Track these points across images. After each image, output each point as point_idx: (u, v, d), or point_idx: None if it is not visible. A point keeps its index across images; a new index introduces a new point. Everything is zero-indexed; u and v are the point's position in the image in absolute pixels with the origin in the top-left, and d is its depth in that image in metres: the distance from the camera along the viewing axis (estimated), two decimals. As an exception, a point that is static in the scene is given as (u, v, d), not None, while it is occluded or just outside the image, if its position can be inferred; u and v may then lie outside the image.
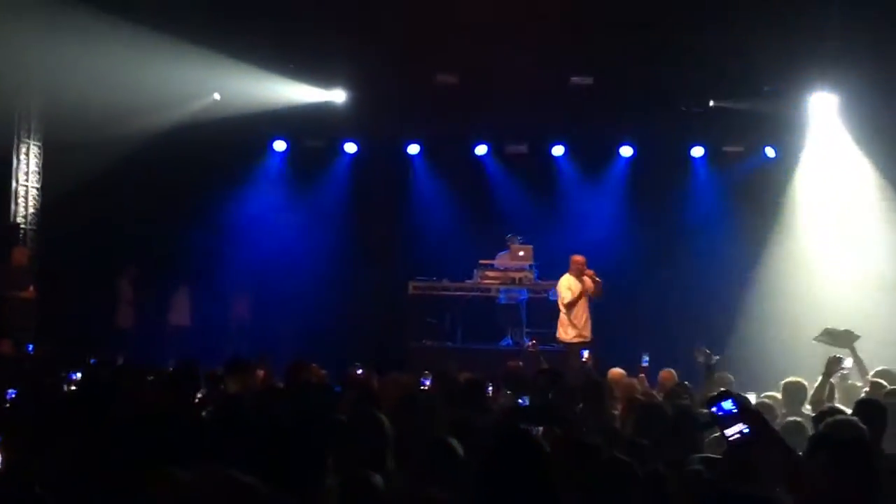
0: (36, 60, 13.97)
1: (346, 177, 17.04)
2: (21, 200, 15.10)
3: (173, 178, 15.70)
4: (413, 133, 16.88)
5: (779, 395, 7.76)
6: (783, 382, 7.89)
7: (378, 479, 3.94)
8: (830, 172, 15.33)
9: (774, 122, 15.40)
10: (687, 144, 16.66)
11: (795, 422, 6.19)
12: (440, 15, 13.15)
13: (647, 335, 13.55)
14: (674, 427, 5.80)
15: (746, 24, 13.14)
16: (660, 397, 8.14)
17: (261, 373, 8.92)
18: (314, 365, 9.51)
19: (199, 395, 7.27)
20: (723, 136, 16.28)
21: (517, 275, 14.73)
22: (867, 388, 8.06)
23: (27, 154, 15.22)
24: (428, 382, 8.30)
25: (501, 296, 15.14)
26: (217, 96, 15.79)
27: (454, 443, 4.49)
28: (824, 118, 15.26)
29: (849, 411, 6.16)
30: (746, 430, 3.81)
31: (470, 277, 15.00)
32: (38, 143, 15.36)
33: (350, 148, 17.06)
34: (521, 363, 11.05)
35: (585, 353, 12.10)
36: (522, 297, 15.21)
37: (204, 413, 6.09)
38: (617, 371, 9.78)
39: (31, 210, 15.29)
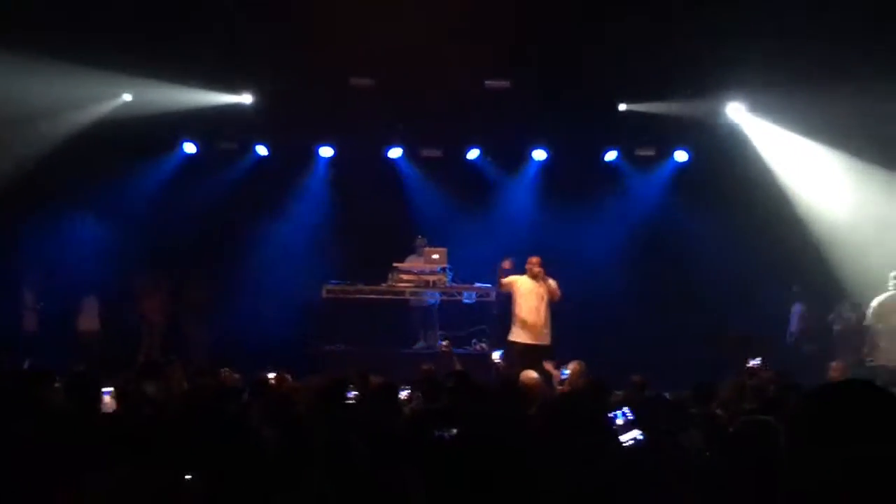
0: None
1: (258, 180, 16.84)
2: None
3: (83, 181, 15.44)
4: (326, 136, 16.77)
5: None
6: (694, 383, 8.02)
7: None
8: (741, 175, 15.70)
9: (687, 125, 15.65)
10: (600, 148, 16.86)
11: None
12: (356, 18, 13.11)
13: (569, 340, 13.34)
14: (580, 426, 5.82)
15: (660, 29, 13.36)
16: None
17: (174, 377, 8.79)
18: (226, 369, 9.41)
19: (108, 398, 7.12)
20: (635, 139, 16.52)
21: (431, 278, 14.71)
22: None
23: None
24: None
25: (413, 299, 15.14)
26: (127, 97, 15.50)
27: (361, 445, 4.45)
28: (736, 122, 15.64)
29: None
30: (641, 437, 3.88)
31: (384, 280, 14.95)
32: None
33: (261, 150, 16.91)
34: (433, 366, 10.99)
35: (496, 355, 12.12)
36: (434, 301, 15.20)
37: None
38: (529, 373, 9.82)
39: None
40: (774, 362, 10.56)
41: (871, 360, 12.96)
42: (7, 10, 12.39)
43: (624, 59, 14.21)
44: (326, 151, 16.93)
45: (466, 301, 14.54)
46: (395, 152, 16.98)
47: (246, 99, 15.78)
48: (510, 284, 12.62)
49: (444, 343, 13.61)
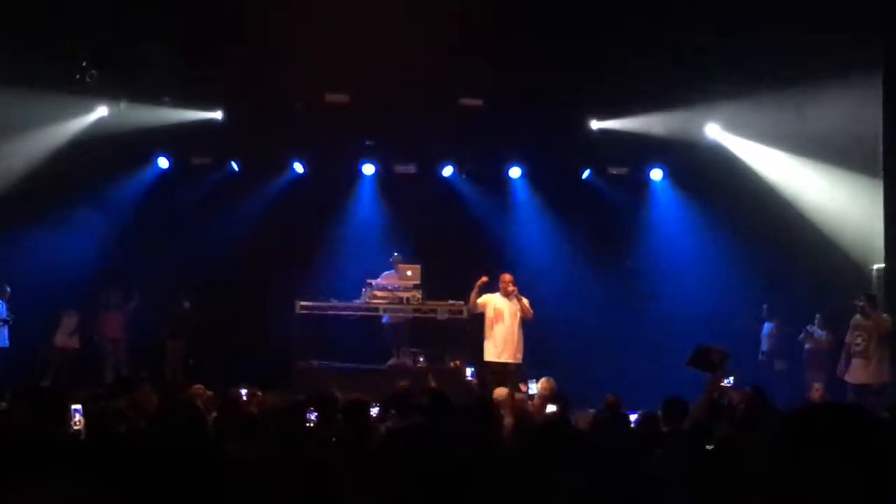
0: None
1: (232, 195, 16.77)
2: None
3: (57, 196, 15.42)
4: (300, 151, 16.75)
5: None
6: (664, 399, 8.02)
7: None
8: (718, 192, 15.83)
9: (662, 143, 15.73)
10: (574, 165, 16.90)
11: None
12: (331, 34, 13.15)
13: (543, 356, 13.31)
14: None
15: (636, 45, 13.52)
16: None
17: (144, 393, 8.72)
18: (199, 385, 9.35)
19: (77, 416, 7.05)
20: (608, 157, 16.56)
21: (405, 294, 14.66)
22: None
23: None
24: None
25: (386, 316, 15.08)
26: (104, 112, 15.49)
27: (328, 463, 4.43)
28: (712, 141, 15.76)
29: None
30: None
31: (358, 297, 14.89)
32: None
33: (236, 166, 16.88)
34: (408, 384, 10.95)
35: (468, 371, 12.11)
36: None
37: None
38: (502, 390, 9.85)
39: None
40: (745, 381, 10.58)
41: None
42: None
43: (599, 76, 14.33)
44: (300, 167, 16.92)
45: (440, 318, 14.49)
46: (368, 168, 16.96)
47: (222, 115, 15.77)
48: (483, 305, 12.62)
49: (420, 360, 13.59)
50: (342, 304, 14.91)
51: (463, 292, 13.52)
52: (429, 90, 14.81)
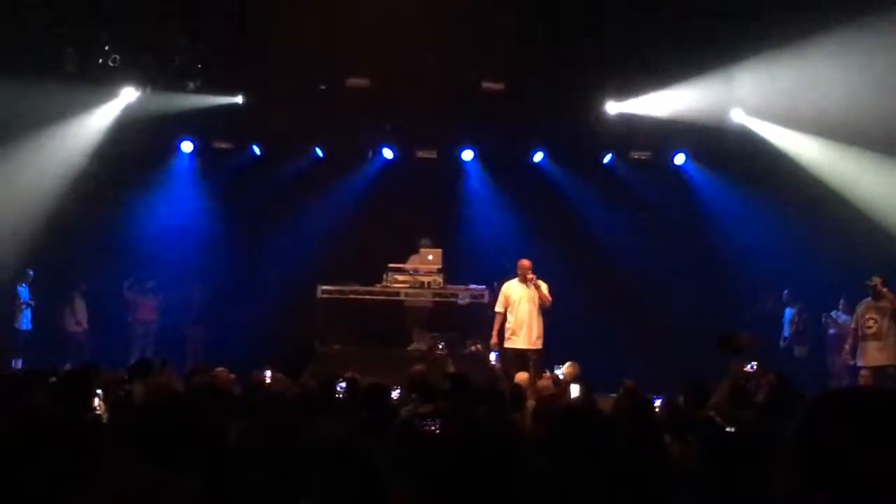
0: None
1: (255, 179, 16.82)
2: None
3: (79, 181, 15.50)
4: (322, 136, 16.75)
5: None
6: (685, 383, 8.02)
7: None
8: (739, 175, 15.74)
9: (686, 128, 15.60)
10: (596, 150, 16.82)
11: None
12: (352, 19, 13.15)
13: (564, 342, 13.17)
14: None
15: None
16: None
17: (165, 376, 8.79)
18: (221, 369, 9.39)
19: (97, 400, 7.10)
20: (630, 142, 16.46)
21: (426, 278, 14.63)
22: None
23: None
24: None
25: (406, 300, 15.06)
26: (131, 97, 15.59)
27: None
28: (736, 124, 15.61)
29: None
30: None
31: (379, 281, 14.88)
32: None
33: (258, 150, 16.91)
34: (425, 367, 10.94)
35: (492, 356, 12.11)
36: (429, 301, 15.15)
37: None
38: (523, 374, 9.89)
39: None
40: (767, 365, 10.54)
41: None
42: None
43: (623, 60, 14.27)
44: (322, 151, 16.93)
45: (461, 302, 14.47)
46: (387, 153, 16.97)
47: (246, 99, 15.80)
48: (505, 298, 12.59)
49: (441, 345, 13.60)
50: (363, 288, 14.91)
51: (483, 277, 13.54)
52: (450, 74, 14.78)
